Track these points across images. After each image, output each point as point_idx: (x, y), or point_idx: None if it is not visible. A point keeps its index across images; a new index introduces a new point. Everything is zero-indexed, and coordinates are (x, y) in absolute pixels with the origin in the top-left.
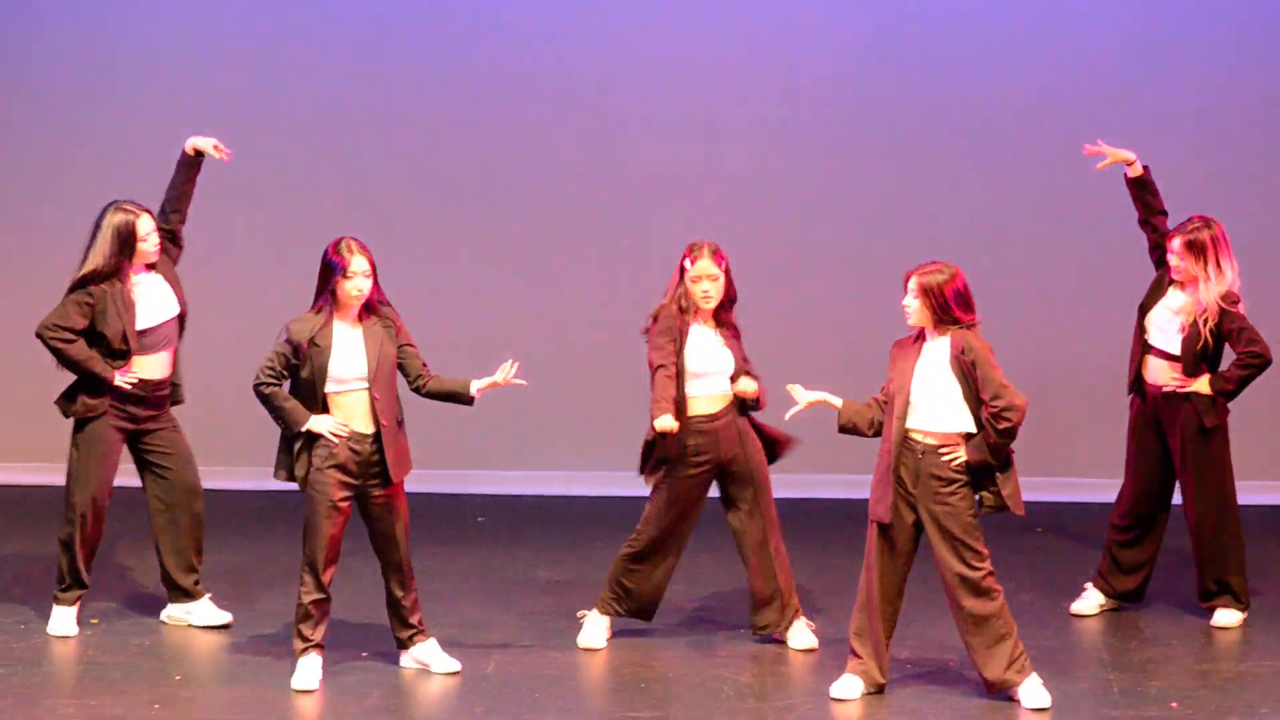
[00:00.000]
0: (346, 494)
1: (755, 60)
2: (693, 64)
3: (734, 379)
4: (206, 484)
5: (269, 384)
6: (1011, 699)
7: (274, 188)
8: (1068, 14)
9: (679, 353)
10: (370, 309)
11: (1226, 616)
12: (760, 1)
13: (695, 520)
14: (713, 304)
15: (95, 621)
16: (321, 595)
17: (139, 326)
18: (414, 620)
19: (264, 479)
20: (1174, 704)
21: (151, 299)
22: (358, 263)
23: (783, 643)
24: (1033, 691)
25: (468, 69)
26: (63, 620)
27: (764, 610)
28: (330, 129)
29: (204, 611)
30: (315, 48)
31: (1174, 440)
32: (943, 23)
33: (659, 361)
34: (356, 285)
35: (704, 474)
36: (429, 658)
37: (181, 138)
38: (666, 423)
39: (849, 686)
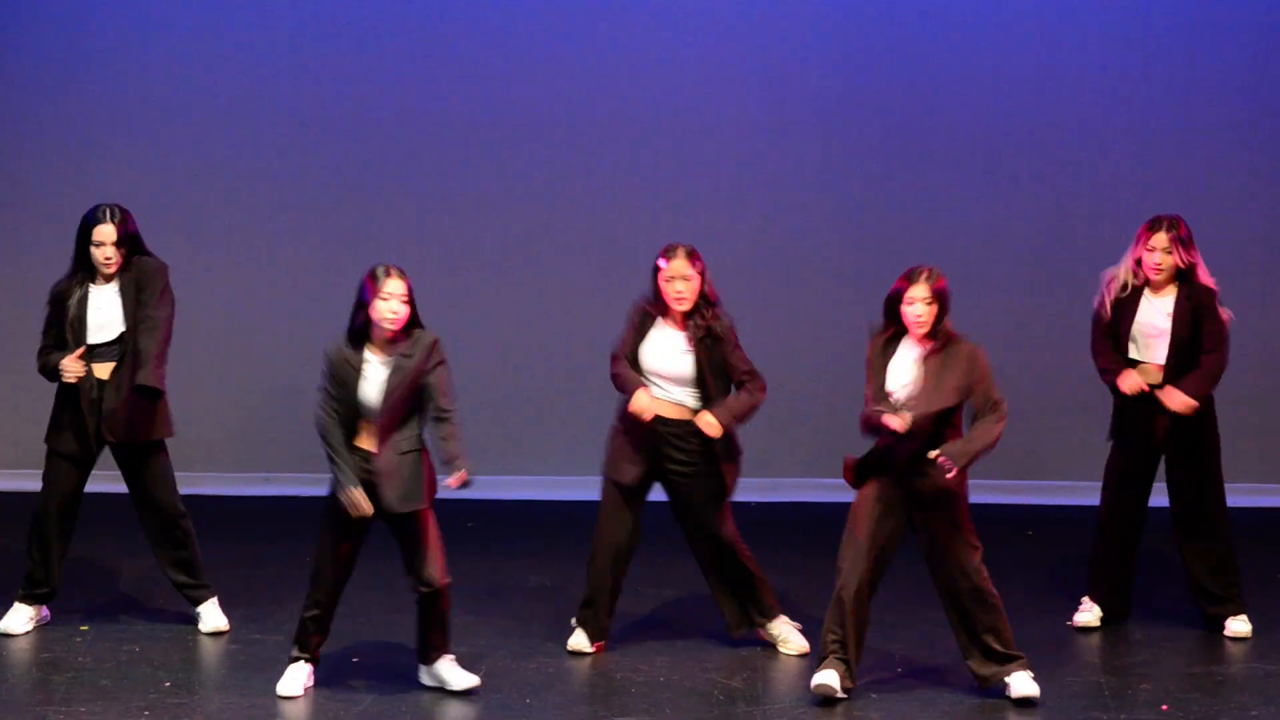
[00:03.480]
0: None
1: (744, 63)
2: (681, 67)
3: (708, 402)
4: (198, 489)
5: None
6: (1002, 693)
7: (267, 193)
8: (1057, 16)
9: (635, 346)
10: (404, 334)
11: (1244, 625)
12: (747, 2)
13: (629, 519)
14: (686, 305)
15: (85, 628)
16: (317, 610)
17: (91, 340)
18: (432, 639)
19: (255, 485)
20: (1164, 706)
21: (101, 314)
22: (393, 284)
23: (765, 643)
24: (1022, 681)
25: (456, 73)
26: (14, 617)
27: (723, 608)
28: (320, 132)
29: (205, 616)
30: (295, 51)
31: (1176, 444)
32: (931, 24)
33: (613, 351)
34: (391, 308)
35: (634, 472)
36: (446, 675)
37: (178, 137)
38: (641, 400)
39: (829, 677)
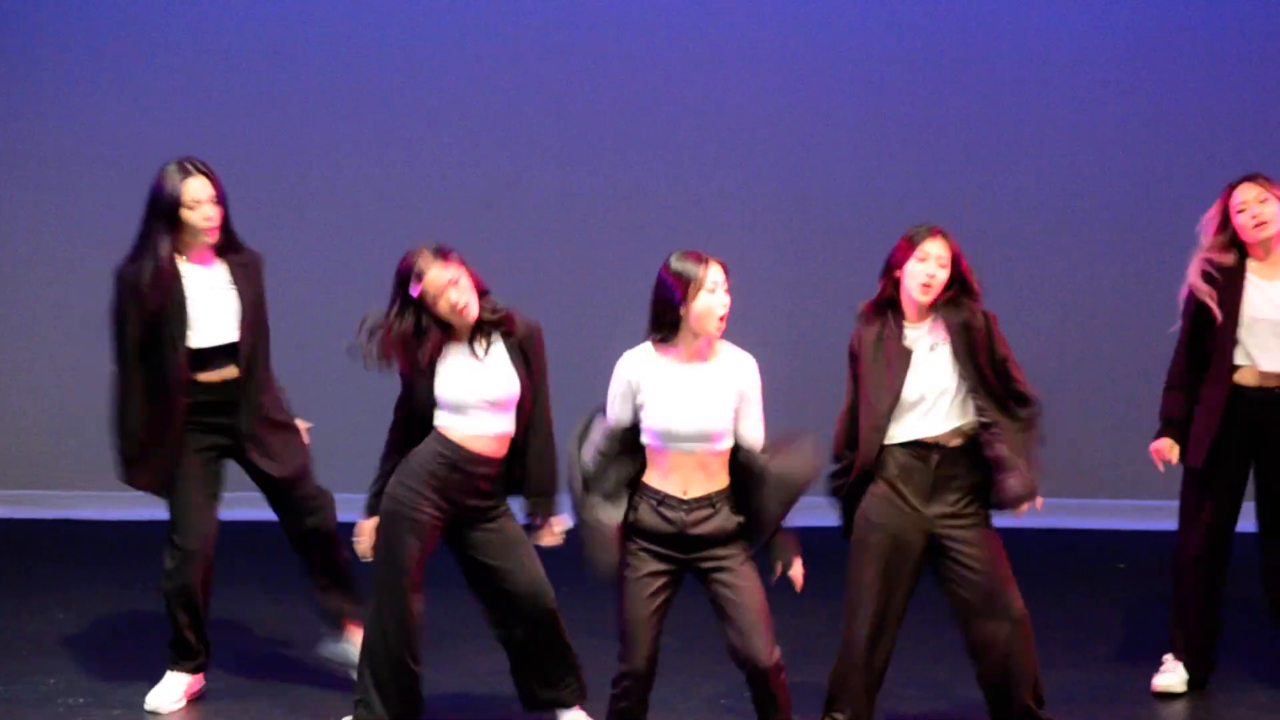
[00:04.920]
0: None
1: (754, 51)
2: (691, 56)
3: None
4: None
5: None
6: None
7: (266, 193)
8: (1067, 8)
9: (427, 379)
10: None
11: None
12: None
13: (418, 564)
14: (473, 314)
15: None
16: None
17: (194, 344)
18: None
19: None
20: None
21: (208, 308)
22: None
23: None
24: None
25: (456, 69)
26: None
27: (520, 680)
28: (323, 123)
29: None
30: (290, 40)
31: (1266, 454)
32: (942, 14)
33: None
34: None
35: (435, 517)
36: None
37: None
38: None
39: None
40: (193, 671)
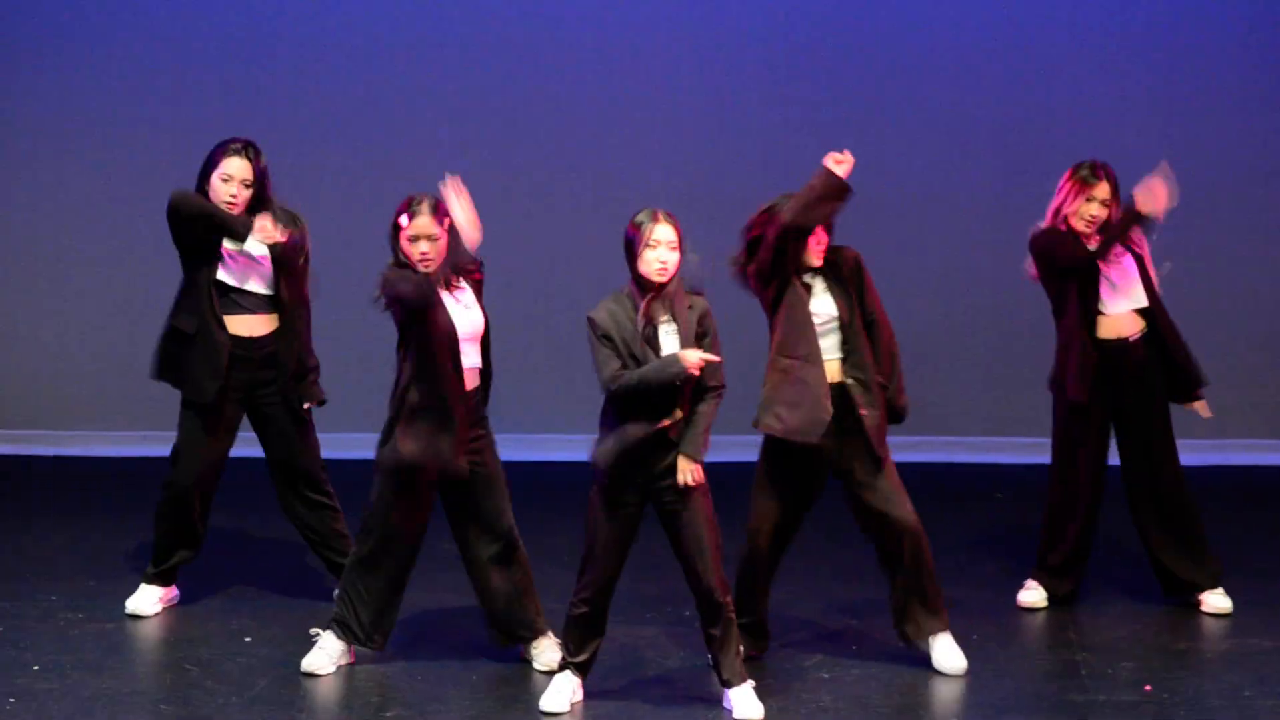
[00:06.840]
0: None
1: (698, 24)
2: (658, 46)
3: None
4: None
5: None
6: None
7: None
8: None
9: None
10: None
11: (1223, 600)
12: None
13: (425, 520)
14: (431, 268)
15: None
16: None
17: (220, 276)
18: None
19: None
20: (1147, 687)
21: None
22: (661, 230)
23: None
24: (946, 651)
25: (429, 58)
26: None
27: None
28: (292, 99)
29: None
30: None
31: (1135, 399)
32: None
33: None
34: (659, 256)
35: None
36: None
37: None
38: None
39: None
40: (165, 584)
